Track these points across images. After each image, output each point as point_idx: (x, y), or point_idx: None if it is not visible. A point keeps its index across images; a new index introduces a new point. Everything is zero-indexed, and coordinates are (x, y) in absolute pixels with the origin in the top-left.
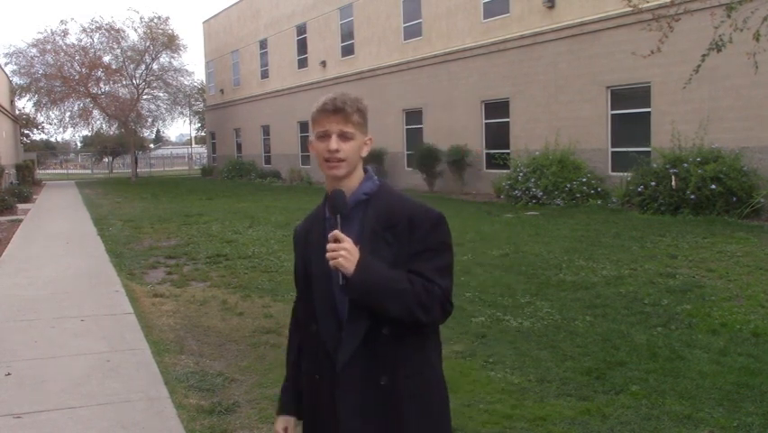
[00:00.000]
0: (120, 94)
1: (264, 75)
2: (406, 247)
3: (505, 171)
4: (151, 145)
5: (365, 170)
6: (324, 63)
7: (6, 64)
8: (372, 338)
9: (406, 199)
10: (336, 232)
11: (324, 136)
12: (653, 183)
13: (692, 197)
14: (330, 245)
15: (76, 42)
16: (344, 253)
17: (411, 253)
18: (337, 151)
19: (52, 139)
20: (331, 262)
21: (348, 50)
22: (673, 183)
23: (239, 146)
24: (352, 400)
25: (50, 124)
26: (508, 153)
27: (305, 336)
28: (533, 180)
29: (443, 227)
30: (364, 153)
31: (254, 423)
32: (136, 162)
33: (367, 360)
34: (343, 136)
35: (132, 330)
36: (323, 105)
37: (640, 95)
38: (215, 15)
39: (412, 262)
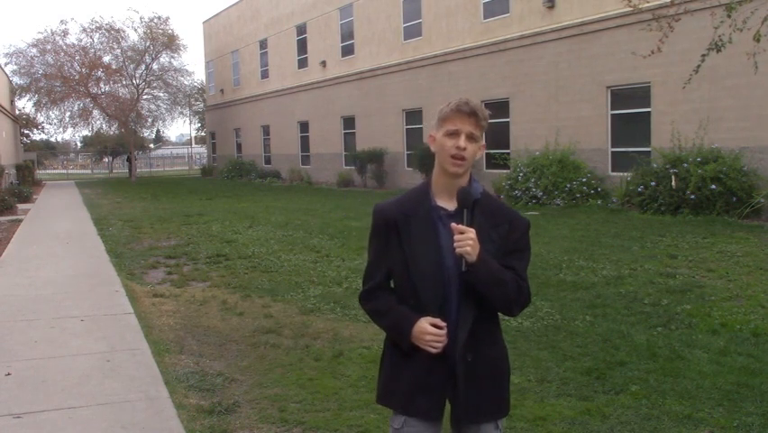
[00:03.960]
0: (120, 94)
1: (264, 75)
2: (504, 245)
3: (505, 171)
4: (151, 145)
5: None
6: (324, 63)
7: (6, 64)
8: None
9: (503, 205)
10: (460, 225)
11: (455, 134)
12: (653, 183)
13: (692, 197)
14: (457, 236)
15: (76, 42)
16: (471, 242)
17: (507, 251)
18: (465, 149)
19: (52, 139)
20: (458, 250)
21: (348, 50)
22: (673, 183)
23: (239, 146)
24: (461, 372)
25: (50, 124)
26: (508, 153)
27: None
28: (533, 180)
29: (529, 232)
30: (478, 157)
31: (254, 423)
32: (130, 162)
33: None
34: (471, 137)
35: (132, 330)
36: (458, 105)
37: (640, 95)
38: (215, 15)
39: (507, 258)
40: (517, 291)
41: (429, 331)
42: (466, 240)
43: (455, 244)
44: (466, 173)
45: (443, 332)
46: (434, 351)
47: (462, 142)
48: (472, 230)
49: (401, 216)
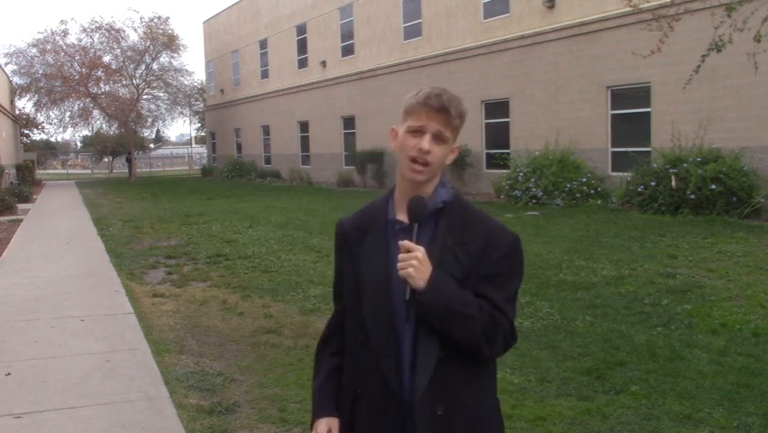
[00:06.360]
0: (120, 94)
1: (264, 75)
2: (476, 268)
3: (505, 171)
4: (151, 145)
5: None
6: (324, 63)
7: (6, 64)
8: None
9: (482, 216)
10: (407, 241)
11: (418, 132)
12: (653, 183)
13: (692, 197)
14: (402, 255)
15: (76, 42)
16: (415, 262)
17: (482, 275)
18: (429, 152)
19: (52, 139)
20: (400, 273)
21: (348, 50)
22: (673, 183)
23: (239, 146)
24: (420, 428)
25: (50, 124)
26: (508, 153)
27: (350, 346)
28: (533, 180)
29: (518, 252)
30: (448, 162)
31: (254, 423)
32: (130, 162)
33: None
34: (439, 138)
35: (132, 330)
36: (426, 98)
37: (640, 95)
38: (215, 15)
39: (482, 284)
40: (490, 326)
41: None
42: (410, 260)
43: (398, 265)
44: (430, 181)
45: None
46: None
47: (426, 143)
48: (420, 248)
49: (355, 232)
